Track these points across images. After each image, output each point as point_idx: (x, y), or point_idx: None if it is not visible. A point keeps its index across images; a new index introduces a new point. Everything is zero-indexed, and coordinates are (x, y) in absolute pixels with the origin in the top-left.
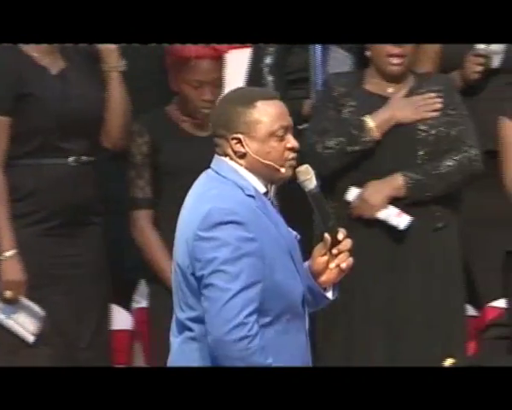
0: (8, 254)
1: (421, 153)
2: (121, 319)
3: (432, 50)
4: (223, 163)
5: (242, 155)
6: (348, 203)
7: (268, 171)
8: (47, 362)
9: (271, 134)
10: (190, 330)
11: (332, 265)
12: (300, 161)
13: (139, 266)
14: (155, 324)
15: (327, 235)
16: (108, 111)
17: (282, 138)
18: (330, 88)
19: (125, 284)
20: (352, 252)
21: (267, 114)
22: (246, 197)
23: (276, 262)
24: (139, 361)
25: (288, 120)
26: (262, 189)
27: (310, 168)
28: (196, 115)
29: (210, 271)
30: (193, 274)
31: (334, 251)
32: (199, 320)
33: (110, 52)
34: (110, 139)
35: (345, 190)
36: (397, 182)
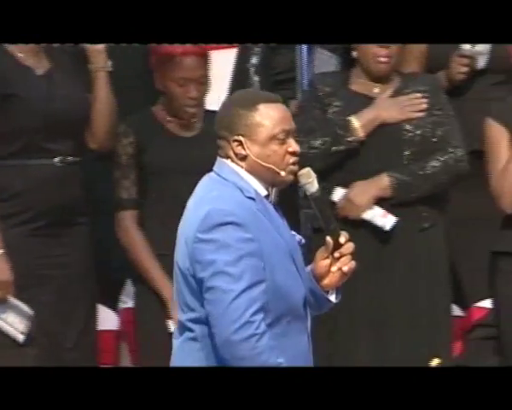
0: None
1: (407, 153)
2: (107, 320)
3: (418, 51)
4: (224, 165)
5: (243, 158)
6: (334, 204)
7: (269, 174)
8: (33, 362)
9: (272, 137)
10: (191, 330)
11: (334, 268)
12: None
13: (125, 266)
14: (141, 324)
15: (329, 238)
16: (94, 112)
17: (283, 142)
18: (316, 88)
19: (112, 284)
20: (354, 255)
21: (269, 117)
22: (245, 199)
23: (276, 264)
24: (125, 362)
25: (291, 124)
26: (263, 191)
27: (311, 172)
28: (181, 114)
29: (211, 273)
30: (193, 276)
31: (337, 254)
32: (199, 321)
33: (98, 53)
34: (96, 140)
35: (330, 190)
36: (382, 182)
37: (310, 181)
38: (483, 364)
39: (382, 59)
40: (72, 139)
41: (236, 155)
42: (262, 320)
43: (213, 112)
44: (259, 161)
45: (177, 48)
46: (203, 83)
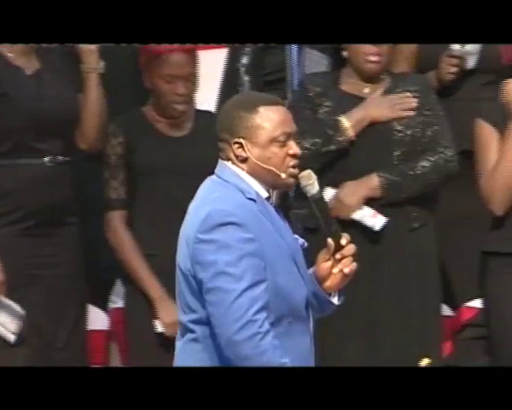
0: None
1: (397, 153)
2: (97, 320)
3: (408, 51)
4: (225, 167)
5: (244, 160)
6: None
7: (269, 176)
8: (24, 362)
9: (273, 140)
10: (192, 331)
11: (335, 270)
12: None
13: (115, 266)
14: (131, 324)
15: (330, 240)
16: (85, 112)
17: (283, 144)
18: (306, 88)
19: (102, 284)
20: (355, 257)
21: (269, 119)
22: (246, 200)
23: (277, 265)
24: (115, 362)
25: (291, 127)
26: (264, 193)
27: (312, 173)
28: (169, 111)
29: (212, 274)
30: (194, 277)
31: (338, 256)
32: (200, 322)
33: (90, 53)
34: (86, 140)
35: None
36: (372, 182)
37: (310, 183)
38: (473, 364)
39: (373, 58)
40: (62, 139)
41: (237, 157)
42: (265, 319)
43: (204, 111)
44: (260, 163)
45: (165, 46)
46: (191, 80)
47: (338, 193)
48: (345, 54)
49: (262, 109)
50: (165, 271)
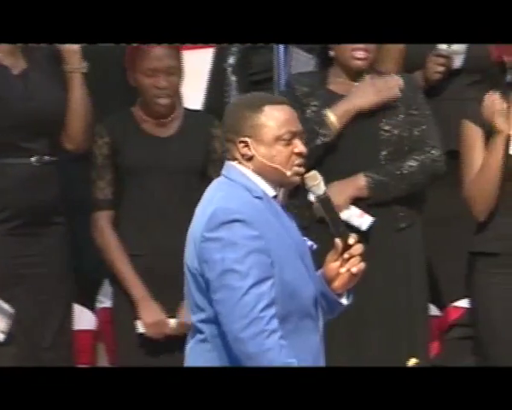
0: None
1: (384, 153)
2: (85, 319)
3: (395, 50)
4: (231, 167)
5: (250, 158)
6: (311, 204)
7: (276, 174)
8: (12, 362)
9: (278, 138)
10: (201, 332)
11: (343, 269)
12: None
13: (103, 266)
14: (119, 324)
15: (338, 240)
16: (69, 112)
17: (288, 143)
18: (293, 88)
19: (89, 283)
20: (363, 256)
21: (274, 118)
22: (253, 199)
23: (284, 262)
24: (102, 362)
25: (297, 126)
26: (271, 192)
27: (318, 174)
28: (152, 106)
29: (219, 272)
30: (202, 275)
31: (346, 256)
32: (209, 321)
33: (72, 53)
34: (72, 141)
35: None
36: (359, 182)
37: (316, 183)
38: (460, 364)
39: (360, 55)
40: (49, 139)
41: (243, 156)
42: (273, 317)
43: (194, 111)
44: (266, 162)
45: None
46: (172, 73)
47: None
48: (331, 53)
49: (267, 108)
50: (151, 271)
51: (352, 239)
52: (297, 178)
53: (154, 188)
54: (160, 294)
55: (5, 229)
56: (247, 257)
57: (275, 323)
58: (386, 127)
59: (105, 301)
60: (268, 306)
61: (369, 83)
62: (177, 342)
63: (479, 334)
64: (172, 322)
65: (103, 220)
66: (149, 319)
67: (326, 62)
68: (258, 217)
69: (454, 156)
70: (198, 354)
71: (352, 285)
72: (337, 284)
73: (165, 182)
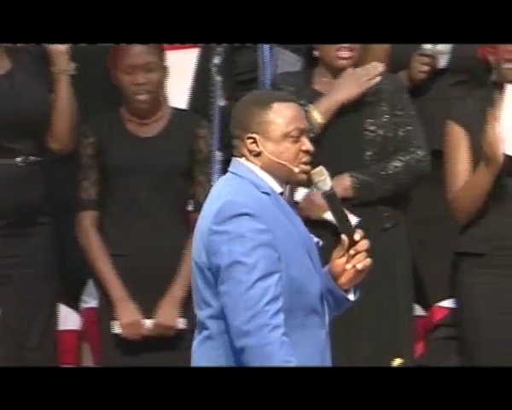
0: None
1: (369, 153)
2: (69, 319)
3: (380, 50)
4: (239, 164)
5: (257, 155)
6: (296, 204)
7: (283, 171)
8: None
9: (286, 135)
10: (207, 328)
11: (348, 266)
12: None
13: (86, 265)
14: (104, 324)
15: (344, 236)
16: (55, 113)
17: (296, 140)
18: (279, 88)
19: (74, 283)
20: (369, 252)
21: (282, 115)
22: (261, 194)
23: (291, 257)
24: (87, 362)
25: (304, 123)
26: (278, 188)
27: (324, 170)
28: (133, 103)
29: (226, 264)
30: (209, 269)
31: (352, 252)
32: (215, 317)
33: (60, 54)
34: (57, 141)
35: (292, 190)
36: (344, 182)
37: (322, 179)
38: (445, 364)
39: (344, 54)
40: (35, 139)
41: (250, 152)
42: (278, 312)
43: (180, 110)
44: (273, 158)
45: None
46: (151, 69)
47: (310, 193)
48: (316, 53)
49: (275, 105)
50: (134, 271)
51: (357, 235)
52: (304, 176)
53: (138, 188)
54: (142, 294)
55: None
56: (255, 250)
57: (279, 318)
58: (372, 128)
59: (89, 301)
60: (273, 300)
61: (350, 74)
62: (160, 342)
63: (463, 334)
64: (148, 323)
65: (87, 220)
66: (126, 319)
67: (311, 62)
68: (266, 212)
69: (438, 156)
70: (203, 352)
71: (358, 281)
72: (343, 280)
73: (148, 182)
